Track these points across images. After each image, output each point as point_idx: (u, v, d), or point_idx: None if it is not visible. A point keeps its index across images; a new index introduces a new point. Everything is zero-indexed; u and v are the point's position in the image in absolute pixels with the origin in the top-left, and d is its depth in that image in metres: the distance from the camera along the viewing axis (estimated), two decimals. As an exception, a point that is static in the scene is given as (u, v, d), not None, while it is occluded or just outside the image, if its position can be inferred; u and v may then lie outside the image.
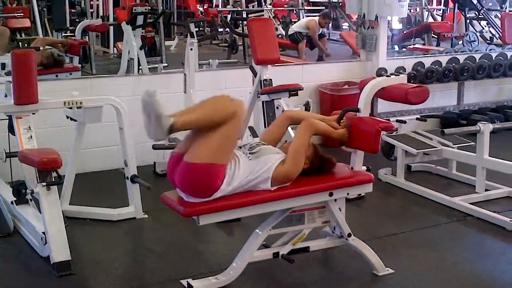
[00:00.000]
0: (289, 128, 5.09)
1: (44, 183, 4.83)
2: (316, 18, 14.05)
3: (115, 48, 13.09)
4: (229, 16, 16.10)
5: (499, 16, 13.02)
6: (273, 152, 4.46)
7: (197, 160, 4.12)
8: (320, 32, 13.93)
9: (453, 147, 6.71)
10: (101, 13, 14.00)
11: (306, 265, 4.91)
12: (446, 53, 10.48)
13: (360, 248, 4.81)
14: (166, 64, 10.48)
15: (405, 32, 15.04)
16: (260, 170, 4.29)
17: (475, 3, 13.35)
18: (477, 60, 9.30)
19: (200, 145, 4.15)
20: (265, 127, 6.23)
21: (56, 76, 8.53)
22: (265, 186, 4.32)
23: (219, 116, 4.09)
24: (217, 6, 18.52)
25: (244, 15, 14.58)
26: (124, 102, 5.77)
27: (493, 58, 9.44)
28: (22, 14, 12.21)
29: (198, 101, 4.38)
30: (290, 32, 14.02)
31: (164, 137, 4.10)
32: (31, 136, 5.17)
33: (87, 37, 11.29)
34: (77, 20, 13.21)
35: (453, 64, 9.07)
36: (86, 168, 6.92)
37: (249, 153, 4.38)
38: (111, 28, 12.99)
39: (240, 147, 4.50)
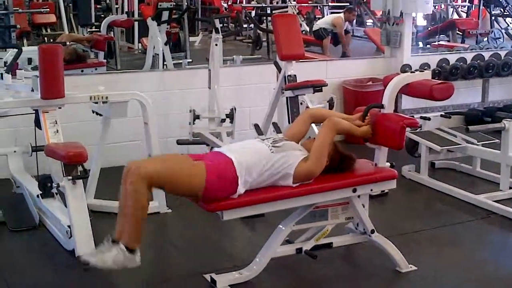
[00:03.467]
0: (313, 125, 5.09)
1: (70, 177, 4.87)
2: (342, 15, 14.01)
3: (140, 44, 13.12)
4: (253, 12, 16.07)
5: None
6: (296, 149, 4.48)
7: (199, 195, 4.17)
8: (345, 28, 13.90)
9: (477, 145, 6.69)
10: (126, 9, 14.06)
11: (329, 261, 4.91)
12: (471, 50, 10.44)
13: (383, 245, 4.81)
14: (191, 60, 10.49)
15: (429, 28, 14.95)
16: (283, 165, 4.32)
17: (500, 0, 13.27)
18: (502, 57, 9.27)
19: (182, 194, 4.29)
20: (289, 123, 6.25)
21: (82, 71, 8.58)
22: (286, 182, 4.35)
23: (141, 198, 4.08)
24: (241, 2, 18.51)
25: (268, 11, 14.57)
26: (149, 97, 5.80)
27: (519, 55, 9.40)
28: (48, 9, 12.26)
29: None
30: (314, 28, 13.97)
31: (136, 259, 4.15)
32: (57, 130, 5.21)
33: (112, 32, 11.30)
34: (102, 15, 13.23)
35: (478, 61, 9.03)
36: (111, 162, 6.93)
37: (272, 146, 4.39)
38: (136, 23, 13.03)
39: (264, 140, 4.52)
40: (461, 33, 14.30)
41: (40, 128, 5.33)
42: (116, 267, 4.06)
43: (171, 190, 4.25)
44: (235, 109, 7.06)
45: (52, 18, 12.67)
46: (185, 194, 4.24)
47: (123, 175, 4.17)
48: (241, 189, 4.22)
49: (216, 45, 7.21)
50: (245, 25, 15.06)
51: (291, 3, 16.40)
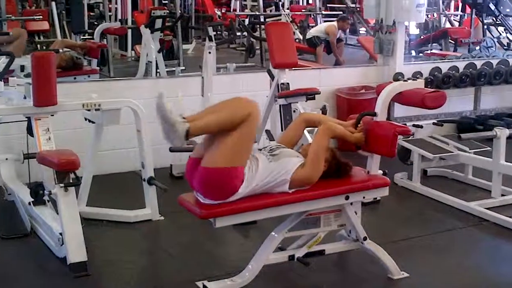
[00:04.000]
0: (305, 131, 5.10)
1: (62, 184, 4.86)
2: (335, 23, 14.04)
3: (133, 51, 13.15)
4: (247, 20, 16.10)
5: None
6: (293, 155, 4.49)
7: (216, 164, 4.15)
8: (339, 36, 13.93)
9: (469, 152, 6.71)
10: (119, 17, 14.07)
11: (322, 268, 4.91)
12: (463, 58, 10.46)
13: (376, 252, 4.81)
14: (184, 68, 10.53)
15: (422, 37, 14.99)
16: (280, 172, 4.32)
17: (492, 9, 13.32)
18: (494, 66, 9.30)
19: (217, 149, 4.17)
20: (282, 130, 6.25)
21: (75, 78, 8.57)
22: (282, 188, 4.35)
23: (234, 119, 4.11)
24: (235, 10, 18.53)
25: (262, 19, 14.60)
26: (142, 104, 5.80)
27: (510, 64, 9.45)
28: (41, 16, 12.25)
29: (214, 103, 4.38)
30: (308, 36, 14.00)
31: (181, 144, 4.11)
32: (50, 138, 5.21)
33: (105, 40, 11.32)
34: (95, 23, 13.24)
35: (470, 69, 9.07)
36: (104, 170, 6.94)
37: (270, 155, 4.41)
38: (130, 31, 13.04)
39: (260, 149, 4.53)
40: (453, 42, 14.34)
41: (32, 135, 5.33)
42: (169, 124, 4.05)
43: (232, 137, 4.15)
44: (228, 116, 7.06)
45: (45, 25, 12.64)
46: (226, 148, 4.17)
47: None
48: (236, 197, 4.22)
49: (210, 52, 7.23)
50: (238, 33, 15.09)
51: (284, 11, 16.48)
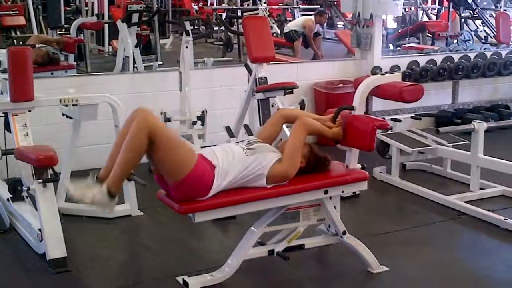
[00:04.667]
0: (284, 126, 5.10)
1: (40, 180, 4.84)
2: (312, 17, 14.05)
3: (110, 46, 13.08)
4: (224, 15, 16.09)
5: (494, 15, 13.06)
6: (270, 150, 4.50)
7: (177, 178, 4.15)
8: (316, 30, 13.93)
9: (447, 146, 6.73)
10: (96, 11, 13.99)
11: (301, 262, 4.92)
12: (441, 52, 10.50)
13: (355, 246, 4.82)
14: (161, 62, 10.50)
15: (400, 31, 15.03)
16: (256, 167, 4.33)
17: (470, 2, 13.37)
18: (471, 59, 9.34)
19: (165, 168, 4.20)
20: (260, 125, 6.24)
21: (52, 74, 8.52)
22: (260, 183, 4.35)
23: (141, 145, 4.07)
24: (212, 4, 18.49)
25: (239, 14, 14.57)
26: (119, 99, 5.79)
27: (488, 57, 9.48)
28: (17, 11, 12.19)
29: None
30: (286, 31, 13.97)
31: (112, 204, 4.11)
32: (27, 133, 5.18)
33: (82, 35, 11.27)
34: (72, 18, 13.16)
35: (448, 63, 9.10)
36: (82, 165, 6.88)
37: (247, 148, 4.41)
38: (106, 26, 12.96)
39: (238, 142, 4.54)
40: (431, 35, 14.38)
41: (9, 131, 5.29)
42: (91, 205, 4.05)
43: (161, 154, 4.14)
44: (206, 111, 7.07)
45: (21, 20, 12.58)
46: (168, 166, 4.17)
47: (131, 116, 4.24)
48: (212, 192, 4.23)
49: (187, 47, 7.22)
50: (215, 28, 15.07)
51: (262, 5, 16.45)
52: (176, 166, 4.15)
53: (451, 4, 14.27)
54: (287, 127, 5.40)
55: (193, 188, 4.17)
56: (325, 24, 16.34)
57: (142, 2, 11.75)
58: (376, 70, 8.30)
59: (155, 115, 4.27)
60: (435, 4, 18.89)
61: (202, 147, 6.33)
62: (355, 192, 6.08)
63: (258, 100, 6.41)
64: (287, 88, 6.33)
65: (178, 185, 4.16)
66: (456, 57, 9.37)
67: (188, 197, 4.21)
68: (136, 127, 4.06)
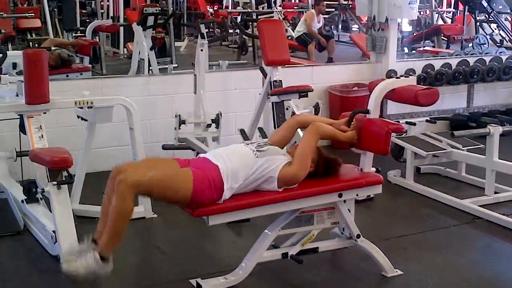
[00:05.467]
0: (298, 130, 5.09)
1: (55, 182, 4.85)
2: (313, 10, 14.06)
3: (125, 49, 13.12)
4: (239, 18, 16.09)
5: (509, 19, 13.03)
6: (280, 153, 4.50)
7: (184, 202, 4.19)
8: (321, 24, 13.92)
9: (462, 150, 6.71)
10: (111, 14, 14.04)
11: (315, 266, 4.92)
12: (456, 55, 10.46)
13: (369, 249, 4.82)
14: (176, 65, 10.52)
15: (415, 34, 14.98)
16: (266, 169, 4.33)
17: (485, 5, 13.31)
18: (487, 63, 9.29)
19: (170, 201, 4.24)
20: (274, 128, 6.24)
21: (67, 76, 8.56)
22: (271, 186, 4.36)
23: (127, 210, 4.08)
24: (227, 7, 18.52)
25: (254, 17, 14.58)
26: (134, 102, 5.79)
27: (503, 61, 9.43)
28: (33, 14, 12.24)
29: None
30: (296, 35, 13.93)
31: (109, 267, 4.12)
32: (42, 135, 5.20)
33: (97, 37, 11.30)
34: (87, 20, 13.22)
35: (463, 66, 9.06)
36: (96, 167, 6.93)
37: (257, 150, 4.41)
38: (122, 28, 13.02)
39: (248, 144, 4.53)
40: (446, 39, 14.32)
41: (24, 133, 5.31)
42: (88, 274, 4.04)
43: (158, 197, 4.25)
44: (221, 114, 7.07)
45: (37, 23, 12.62)
46: (172, 201, 4.21)
47: (110, 177, 4.20)
48: (226, 195, 4.23)
49: (202, 50, 7.22)
50: (230, 31, 15.06)
51: (276, 8, 16.45)
52: (177, 196, 4.15)
53: (467, 7, 14.22)
54: (301, 130, 5.39)
55: (204, 198, 4.17)
56: (340, 27, 16.36)
57: (158, 5, 11.78)
58: (391, 74, 8.28)
59: (133, 168, 4.22)
60: (451, 7, 18.81)
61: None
62: (369, 196, 6.07)
63: (272, 103, 6.41)
64: (302, 91, 6.32)
65: (191, 203, 4.17)
66: (471, 60, 9.33)
67: (207, 203, 4.20)
68: (120, 192, 4.02)
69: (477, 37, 13.36)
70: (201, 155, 4.77)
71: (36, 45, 11.56)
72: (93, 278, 4.09)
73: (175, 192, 4.13)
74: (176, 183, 4.14)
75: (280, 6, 17.79)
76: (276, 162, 4.37)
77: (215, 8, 18.55)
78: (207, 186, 4.16)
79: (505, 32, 13.16)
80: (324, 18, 14.92)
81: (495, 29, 14.04)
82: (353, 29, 17.53)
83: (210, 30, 15.26)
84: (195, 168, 4.25)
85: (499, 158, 6.27)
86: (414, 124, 7.23)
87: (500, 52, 11.06)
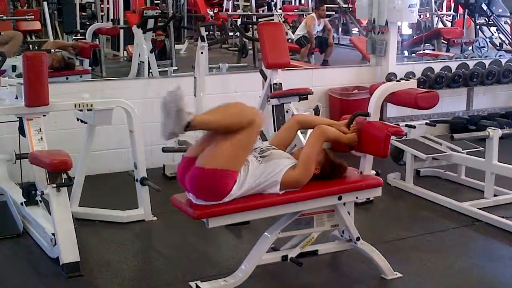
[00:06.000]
0: (298, 132, 5.10)
1: (54, 185, 4.86)
2: (313, 14, 14.09)
3: (125, 51, 13.12)
4: (239, 20, 16.09)
5: (509, 22, 13.02)
6: (284, 157, 4.48)
7: (210, 165, 4.13)
8: (321, 27, 13.94)
9: (462, 152, 6.71)
10: (111, 17, 14.03)
11: (315, 268, 4.92)
12: (456, 58, 10.46)
13: (369, 252, 4.82)
14: (176, 68, 10.52)
15: (415, 37, 14.97)
16: (270, 173, 4.31)
17: (485, 9, 13.32)
18: (486, 66, 9.30)
19: (214, 150, 4.16)
20: (274, 131, 6.25)
21: (67, 78, 8.56)
22: (273, 190, 4.34)
23: (238, 122, 4.11)
24: (227, 10, 18.51)
25: (254, 19, 14.58)
26: (134, 105, 5.80)
27: (503, 64, 9.44)
28: (33, 16, 12.22)
29: (216, 104, 4.33)
30: (295, 38, 13.94)
31: (179, 132, 4.08)
32: (42, 138, 5.20)
33: (97, 40, 11.28)
34: (87, 23, 13.21)
35: (463, 69, 9.07)
36: (96, 170, 6.94)
37: (260, 156, 4.40)
38: (122, 31, 13.02)
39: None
40: (446, 42, 14.34)
41: (24, 135, 5.31)
42: (168, 105, 4.22)
43: (233, 138, 4.15)
44: (220, 117, 7.05)
45: (37, 25, 12.62)
46: (222, 151, 4.17)
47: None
48: (227, 199, 4.22)
49: (202, 53, 7.22)
50: (231, 33, 15.08)
51: (277, 11, 16.46)
52: (228, 157, 4.15)
53: (466, 11, 14.23)
54: (301, 132, 5.39)
55: (217, 184, 4.15)
56: (340, 30, 16.36)
57: (158, 8, 11.79)
58: (391, 77, 8.28)
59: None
60: (450, 11, 18.82)
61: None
62: (369, 198, 6.08)
63: (272, 106, 6.42)
64: (302, 94, 6.33)
65: (208, 172, 4.14)
66: (471, 64, 9.34)
67: (204, 193, 4.19)
68: (246, 111, 4.20)
69: (476, 40, 13.37)
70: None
71: (36, 47, 11.57)
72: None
73: (238, 153, 4.21)
74: (243, 155, 4.26)
75: (280, 9, 17.79)
76: (280, 165, 4.36)
77: (215, 11, 18.54)
78: (228, 179, 4.18)
79: (505, 35, 13.16)
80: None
81: (495, 32, 14.04)
82: (353, 32, 17.52)
83: (210, 32, 15.29)
84: None
85: (498, 161, 6.26)
86: (414, 127, 7.24)
87: (500, 55, 11.06)
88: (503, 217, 5.90)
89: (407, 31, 14.71)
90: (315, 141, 4.54)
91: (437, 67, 9.14)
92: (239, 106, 4.23)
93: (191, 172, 4.21)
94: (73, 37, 12.06)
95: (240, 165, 4.21)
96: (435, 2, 17.05)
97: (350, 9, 16.62)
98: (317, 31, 13.94)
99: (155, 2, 15.63)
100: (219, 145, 4.14)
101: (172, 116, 4.03)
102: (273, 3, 17.99)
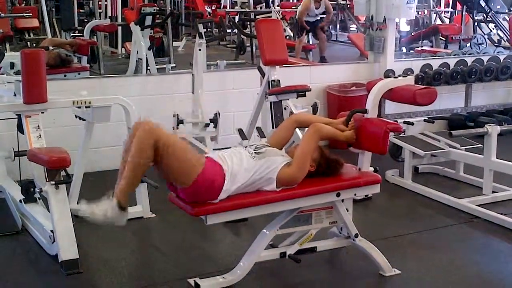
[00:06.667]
0: (297, 130, 5.10)
1: (53, 182, 4.86)
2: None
3: (123, 49, 13.11)
4: (237, 17, 16.10)
5: (507, 18, 13.02)
6: (278, 154, 4.50)
7: (189, 182, 4.15)
8: (321, 12, 13.89)
9: (460, 149, 6.71)
10: (109, 14, 14.01)
11: (313, 265, 4.92)
12: (454, 55, 10.47)
13: (367, 249, 4.82)
14: (174, 65, 10.51)
15: (413, 34, 15.00)
16: (265, 170, 4.34)
17: (483, 5, 13.33)
18: (485, 63, 9.30)
19: (172, 175, 4.21)
20: (272, 127, 6.24)
21: (65, 76, 8.54)
22: (270, 187, 4.37)
23: (148, 156, 4.08)
24: (225, 7, 18.53)
25: (252, 16, 14.58)
26: (132, 102, 5.79)
27: (501, 61, 9.43)
28: (31, 14, 12.22)
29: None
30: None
31: (125, 216, 4.16)
32: (40, 135, 5.19)
33: (95, 37, 11.30)
34: (85, 20, 13.21)
35: (461, 66, 9.06)
36: (95, 167, 6.94)
37: (255, 152, 4.42)
38: (120, 28, 13.00)
39: (246, 147, 4.54)
40: (444, 39, 14.35)
41: (22, 133, 5.31)
42: (104, 220, 4.08)
43: (167, 163, 4.15)
44: (219, 114, 7.07)
45: (35, 22, 12.61)
46: (176, 173, 4.19)
47: (133, 129, 4.21)
48: (222, 196, 4.23)
49: (200, 50, 7.23)
50: (228, 30, 15.08)
51: (274, 8, 16.45)
52: (183, 173, 4.17)
53: (465, 7, 14.24)
54: (300, 129, 5.39)
55: (202, 191, 4.19)
56: (338, 27, 16.34)
57: (156, 5, 11.78)
58: (389, 73, 8.28)
59: (158, 124, 4.21)
60: (449, 7, 18.84)
61: (214, 150, 6.35)
62: (367, 195, 6.08)
63: (270, 102, 6.41)
64: (300, 91, 6.32)
65: (187, 189, 4.19)
66: (469, 60, 9.34)
67: (199, 200, 4.21)
68: (140, 138, 4.06)
69: (475, 37, 13.38)
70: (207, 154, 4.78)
71: (34, 44, 11.57)
72: (109, 224, 4.15)
73: (185, 165, 4.16)
74: (189, 158, 4.19)
75: (278, 5, 17.78)
76: (275, 163, 4.38)
77: (213, 8, 18.55)
78: (211, 179, 4.18)
79: (503, 32, 13.15)
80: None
81: (493, 28, 14.05)
82: (351, 29, 17.54)
83: (208, 29, 15.26)
84: (207, 160, 4.31)
85: (497, 158, 6.26)
86: (412, 123, 7.23)
87: (498, 52, 11.08)
88: (501, 214, 5.90)
89: (405, 27, 14.75)
90: (310, 139, 4.54)
91: (435, 63, 9.14)
92: (136, 144, 4.10)
93: (181, 195, 4.30)
94: (71, 34, 12.06)
95: (196, 160, 4.22)
96: (433, -1, 17.07)
97: (348, 5, 16.62)
98: (316, 15, 13.83)
99: (153, -1, 15.65)
100: (171, 169, 4.18)
101: (109, 219, 4.12)
102: (271, 0, 17.98)
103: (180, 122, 6.92)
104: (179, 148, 4.18)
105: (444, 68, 8.95)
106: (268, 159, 4.39)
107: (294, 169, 4.40)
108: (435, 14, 16.94)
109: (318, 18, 13.87)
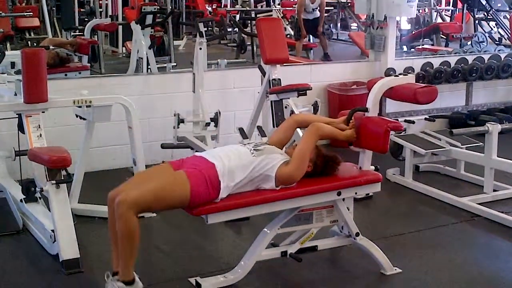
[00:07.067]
0: (297, 129, 5.10)
1: (53, 181, 4.86)
2: None
3: (124, 48, 13.11)
4: (238, 16, 16.08)
5: (508, 17, 13.01)
6: (277, 152, 4.51)
7: (185, 205, 4.20)
8: (317, 6, 13.84)
9: (461, 148, 6.71)
10: (110, 13, 14.01)
11: (314, 264, 4.91)
12: (455, 53, 10.46)
13: (368, 248, 4.82)
14: (175, 64, 10.49)
15: (413, 32, 15.00)
16: (263, 167, 4.34)
17: (484, 4, 13.32)
18: (485, 61, 9.30)
19: (171, 207, 4.25)
20: (273, 126, 6.24)
21: (65, 75, 8.55)
22: (269, 185, 4.37)
23: (134, 228, 4.09)
24: (225, 6, 18.51)
25: (253, 15, 14.58)
26: (133, 101, 5.78)
27: (502, 59, 9.43)
28: (32, 13, 12.22)
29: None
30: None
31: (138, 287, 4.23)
32: (41, 135, 5.19)
33: (96, 36, 11.28)
34: (86, 19, 13.18)
35: (462, 64, 9.06)
36: (95, 166, 6.94)
37: (254, 149, 4.42)
38: (120, 27, 13.00)
39: (245, 144, 4.54)
40: (445, 37, 14.34)
41: (23, 132, 5.30)
42: None
43: (159, 208, 4.32)
44: (219, 113, 7.06)
45: (35, 21, 12.62)
46: (173, 207, 4.23)
47: (108, 202, 4.21)
48: (223, 194, 4.23)
49: (201, 49, 7.22)
50: (229, 29, 15.07)
51: (275, 7, 16.44)
52: (177, 202, 4.19)
53: (465, 5, 14.23)
54: (300, 129, 5.39)
55: (202, 198, 4.18)
56: (339, 25, 16.32)
57: (156, 3, 11.76)
58: (390, 72, 8.28)
59: (128, 188, 4.21)
60: (449, 5, 18.83)
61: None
62: (368, 194, 6.08)
63: (271, 101, 6.41)
64: (301, 90, 6.31)
65: (190, 205, 4.19)
66: (470, 58, 9.34)
67: (205, 202, 4.20)
68: (123, 221, 4.04)
69: (475, 35, 13.37)
70: (196, 153, 4.78)
71: (35, 44, 11.56)
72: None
73: (173, 199, 4.16)
74: (173, 190, 4.16)
75: (278, 4, 17.77)
76: (273, 160, 4.38)
77: (213, 7, 18.54)
78: (204, 185, 4.17)
79: (504, 30, 13.15)
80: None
81: (494, 27, 14.04)
82: (352, 27, 17.52)
83: (209, 28, 15.28)
84: (191, 168, 4.27)
85: (498, 156, 6.26)
86: (413, 122, 7.23)
87: (499, 50, 11.07)
88: (502, 212, 5.91)
89: (406, 26, 14.74)
90: (309, 138, 4.54)
91: (436, 62, 9.13)
92: (117, 223, 4.12)
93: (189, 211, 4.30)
94: (72, 34, 12.04)
95: (181, 175, 4.20)
96: (434, -3, 17.06)
97: (349, 4, 16.61)
98: (313, 10, 13.78)
99: (154, -3, 15.64)
100: (166, 206, 4.23)
101: None
102: (271, -1, 18.00)
103: (181, 121, 6.92)
104: (158, 191, 4.16)
105: (445, 67, 8.95)
106: (267, 156, 4.39)
107: (292, 168, 4.40)
108: (435, 12, 16.94)
109: (317, 15, 13.80)
